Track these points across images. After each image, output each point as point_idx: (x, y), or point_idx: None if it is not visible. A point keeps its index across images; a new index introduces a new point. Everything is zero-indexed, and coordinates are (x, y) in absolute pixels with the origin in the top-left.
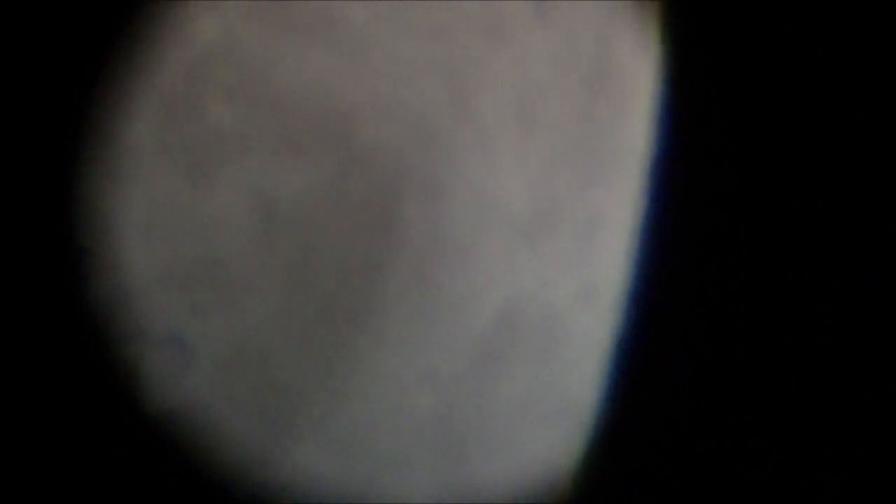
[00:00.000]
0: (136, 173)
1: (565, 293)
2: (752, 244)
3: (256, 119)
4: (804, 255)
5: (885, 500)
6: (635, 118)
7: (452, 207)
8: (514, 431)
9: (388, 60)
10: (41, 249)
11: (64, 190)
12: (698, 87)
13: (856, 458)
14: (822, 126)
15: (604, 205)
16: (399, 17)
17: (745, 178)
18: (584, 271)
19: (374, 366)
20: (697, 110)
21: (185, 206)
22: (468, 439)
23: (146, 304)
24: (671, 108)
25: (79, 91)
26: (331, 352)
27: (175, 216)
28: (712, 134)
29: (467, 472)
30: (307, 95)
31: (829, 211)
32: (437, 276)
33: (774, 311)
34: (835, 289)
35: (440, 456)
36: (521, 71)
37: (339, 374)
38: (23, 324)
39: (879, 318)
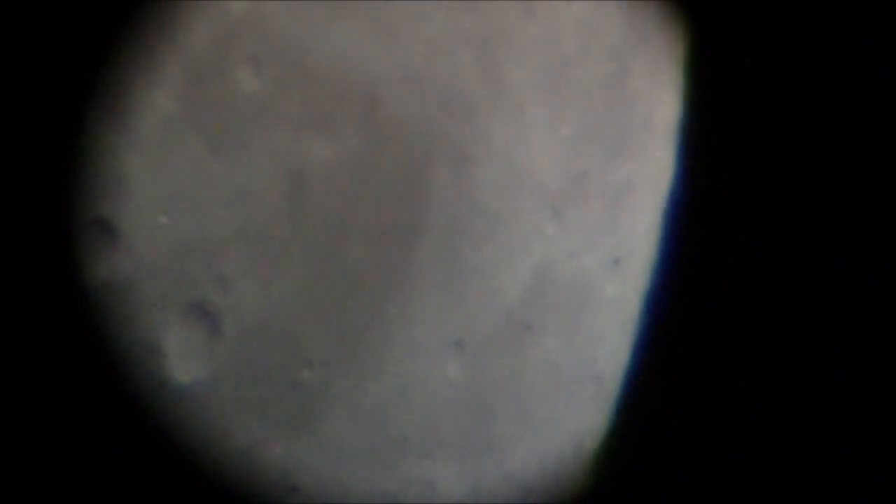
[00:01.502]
0: (163, 144)
1: (594, 262)
2: (778, 215)
3: (285, 91)
4: (826, 228)
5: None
6: (663, 89)
7: (481, 178)
8: (543, 399)
9: (417, 32)
10: (63, 220)
11: (88, 160)
12: (725, 60)
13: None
14: (838, 100)
15: (632, 175)
16: None
17: (771, 150)
18: (612, 240)
19: (404, 336)
20: (725, 82)
21: (213, 177)
22: (497, 407)
23: (172, 275)
24: (698, 79)
25: (107, 63)
26: (359, 322)
27: (202, 187)
28: (739, 105)
29: (496, 440)
30: (336, 67)
31: (845, 187)
32: (466, 247)
33: (800, 282)
34: (854, 266)
35: (469, 424)
36: (550, 43)
37: (368, 344)
38: (42, 296)
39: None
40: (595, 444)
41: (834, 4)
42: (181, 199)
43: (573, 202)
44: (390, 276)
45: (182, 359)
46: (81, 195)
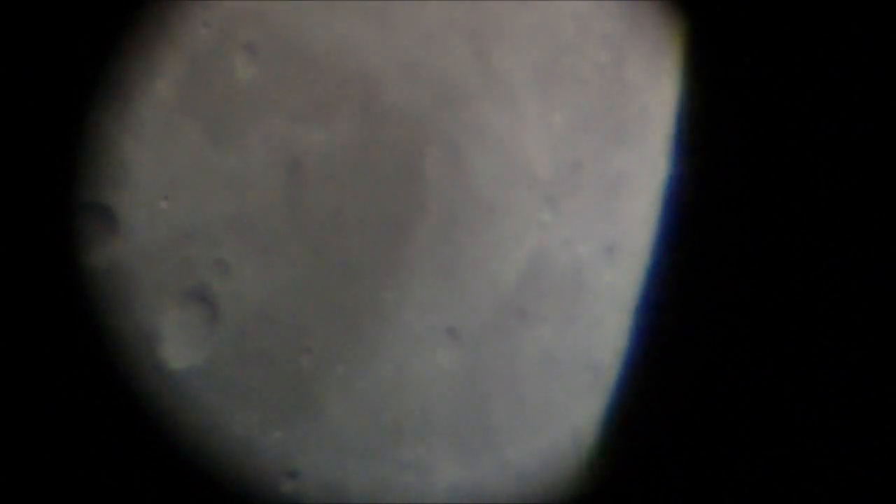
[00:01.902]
0: (162, 131)
1: (589, 250)
2: (775, 206)
3: (282, 79)
4: (824, 221)
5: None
6: (659, 79)
7: (477, 167)
8: (538, 386)
9: (412, 21)
10: (62, 206)
11: (88, 147)
12: (721, 48)
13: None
14: (836, 92)
15: (627, 163)
16: None
17: (768, 141)
18: (607, 229)
19: (400, 323)
20: (721, 72)
21: (212, 164)
22: (492, 395)
23: (171, 261)
24: (694, 68)
25: (106, 51)
26: (357, 309)
27: (201, 174)
28: (736, 95)
29: (492, 426)
30: (333, 55)
31: (843, 180)
32: (461, 235)
33: (796, 273)
34: (852, 260)
35: (465, 410)
36: (544, 32)
37: (365, 331)
38: (40, 282)
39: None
40: (590, 432)
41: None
42: (180, 185)
43: (568, 191)
44: (387, 264)
45: (180, 344)
46: (81, 182)
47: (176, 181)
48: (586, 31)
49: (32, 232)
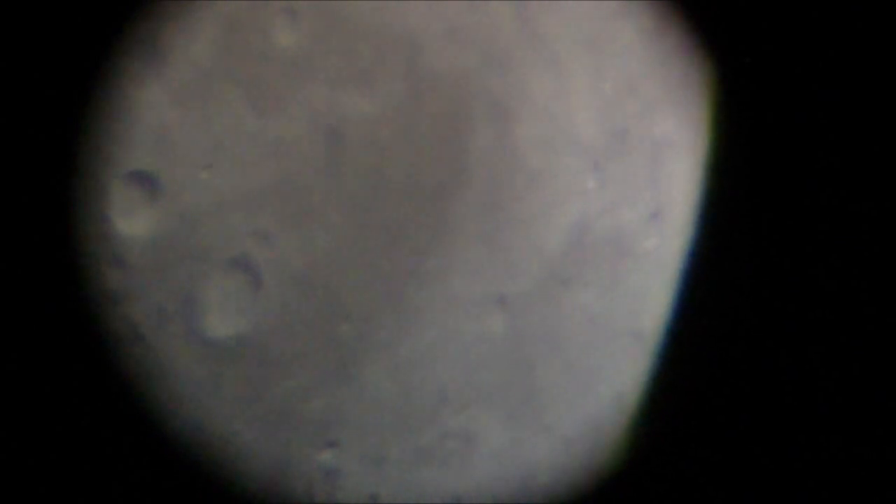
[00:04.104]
0: (203, 98)
1: (633, 216)
2: (820, 167)
3: (324, 44)
4: (862, 188)
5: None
6: (704, 45)
7: (522, 133)
8: (583, 352)
9: None
10: (102, 175)
11: (128, 115)
12: (763, 17)
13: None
14: (868, 73)
15: (671, 130)
16: None
17: (809, 104)
18: (651, 195)
19: (443, 289)
20: (762, 37)
21: (253, 131)
22: (537, 360)
23: (213, 229)
24: (738, 34)
25: (145, 15)
26: (399, 276)
27: (242, 141)
28: (776, 61)
29: (536, 392)
30: (375, 20)
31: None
32: (505, 200)
33: (841, 238)
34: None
35: (509, 377)
36: None
37: (408, 297)
38: (82, 250)
39: None
40: (634, 397)
41: None
42: (221, 153)
43: (613, 157)
44: (430, 231)
45: (224, 312)
46: (123, 149)
47: (217, 148)
48: None
49: (73, 200)
